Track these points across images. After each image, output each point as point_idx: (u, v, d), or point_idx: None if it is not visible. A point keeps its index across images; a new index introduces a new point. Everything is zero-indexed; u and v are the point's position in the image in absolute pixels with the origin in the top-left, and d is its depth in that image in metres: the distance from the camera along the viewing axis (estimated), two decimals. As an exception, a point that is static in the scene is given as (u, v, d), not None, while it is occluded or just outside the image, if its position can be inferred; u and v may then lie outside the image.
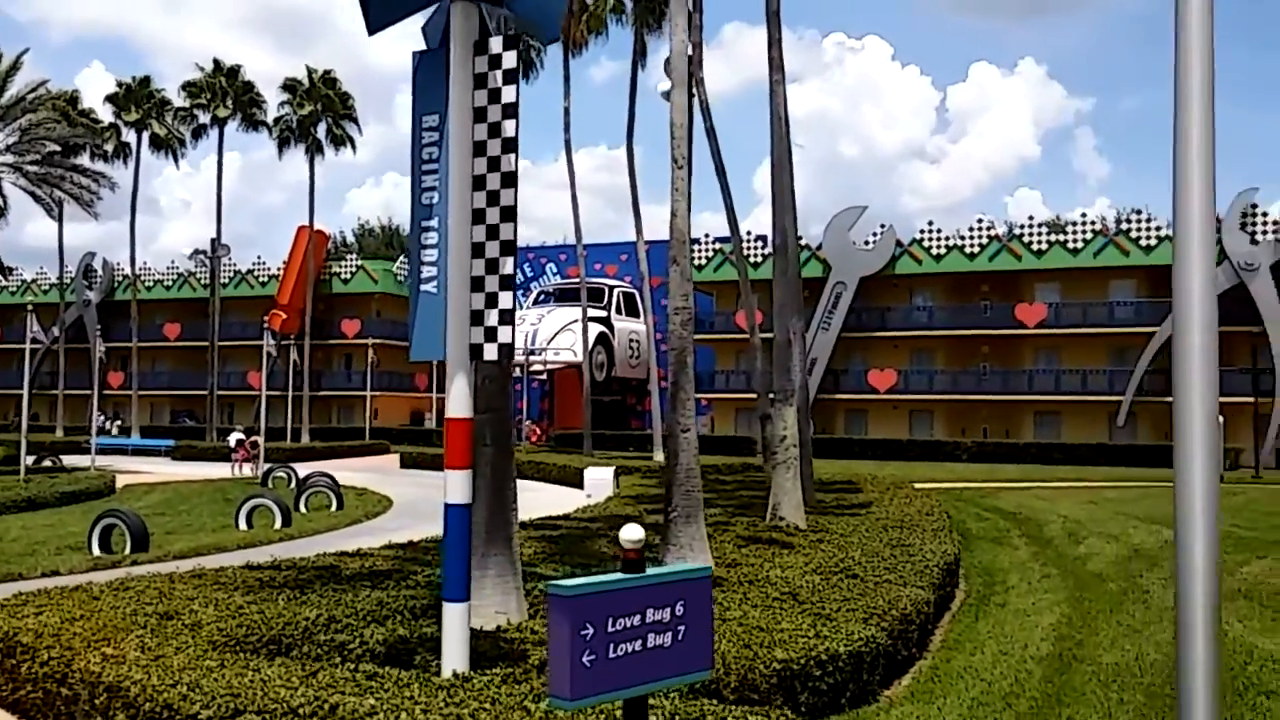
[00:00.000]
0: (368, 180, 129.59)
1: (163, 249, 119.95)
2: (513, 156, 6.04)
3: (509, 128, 6.04)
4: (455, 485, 6.02)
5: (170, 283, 62.77)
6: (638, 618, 3.90)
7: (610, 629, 3.80)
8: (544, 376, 58.07)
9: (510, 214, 6.05)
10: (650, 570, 4.05)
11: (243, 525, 19.01)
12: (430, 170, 6.27)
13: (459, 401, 6.02)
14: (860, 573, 10.39)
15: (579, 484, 27.13)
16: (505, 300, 6.01)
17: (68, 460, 35.93)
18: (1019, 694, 7.71)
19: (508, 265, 6.03)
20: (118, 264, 63.82)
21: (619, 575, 3.99)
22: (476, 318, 6.06)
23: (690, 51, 25.72)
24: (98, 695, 5.75)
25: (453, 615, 5.94)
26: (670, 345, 11.58)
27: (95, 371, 42.33)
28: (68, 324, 60.78)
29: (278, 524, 18.70)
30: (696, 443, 11.52)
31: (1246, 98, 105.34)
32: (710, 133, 23.18)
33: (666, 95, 28.69)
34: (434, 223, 6.23)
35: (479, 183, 6.10)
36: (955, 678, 8.20)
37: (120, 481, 28.27)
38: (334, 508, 22.26)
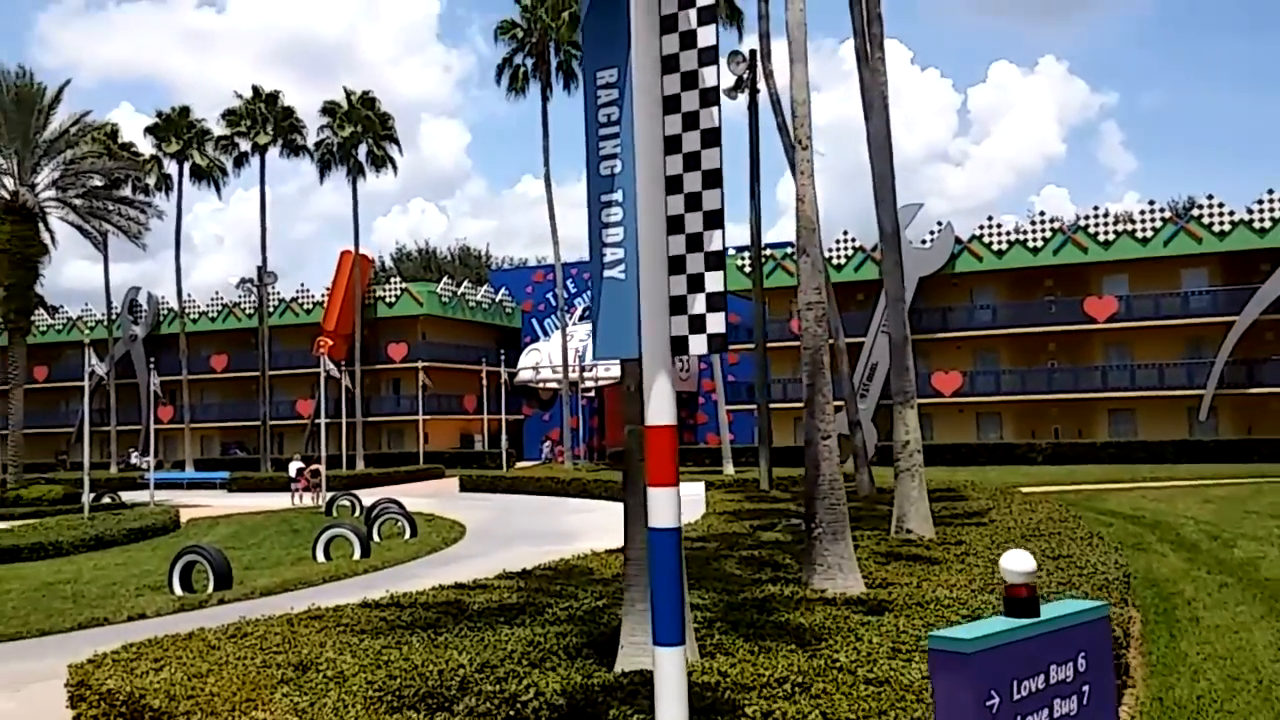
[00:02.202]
0: (394, 208, 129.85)
1: (196, 285, 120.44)
2: (714, 110, 5.04)
3: (708, 76, 5.05)
4: (661, 506, 4.98)
5: (215, 314, 62.59)
6: (1041, 679, 2.88)
7: (1016, 695, 2.78)
8: (592, 394, 57.19)
9: (715, 179, 5.04)
10: (1045, 612, 3.03)
11: (320, 557, 18.18)
12: (609, 135, 5.28)
13: (661, 406, 4.99)
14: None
15: (654, 501, 26.05)
16: (714, 282, 5.00)
17: (125, 496, 35.52)
18: (1287, 729, 6.57)
19: (715, 240, 5.02)
20: (162, 297, 63.82)
21: (1011, 621, 2.96)
22: (677, 305, 5.05)
23: (756, 44, 24.69)
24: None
25: (668, 663, 4.89)
26: (804, 345, 10.54)
27: (149, 406, 41.86)
28: (115, 359, 60.80)
29: (356, 554, 17.87)
30: (838, 450, 10.46)
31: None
32: (782, 128, 22.17)
33: (729, 92, 27.80)
34: (617, 196, 5.25)
35: (673, 144, 5.10)
36: (1195, 712, 7.06)
37: (184, 516, 27.63)
38: (407, 535, 21.46)
